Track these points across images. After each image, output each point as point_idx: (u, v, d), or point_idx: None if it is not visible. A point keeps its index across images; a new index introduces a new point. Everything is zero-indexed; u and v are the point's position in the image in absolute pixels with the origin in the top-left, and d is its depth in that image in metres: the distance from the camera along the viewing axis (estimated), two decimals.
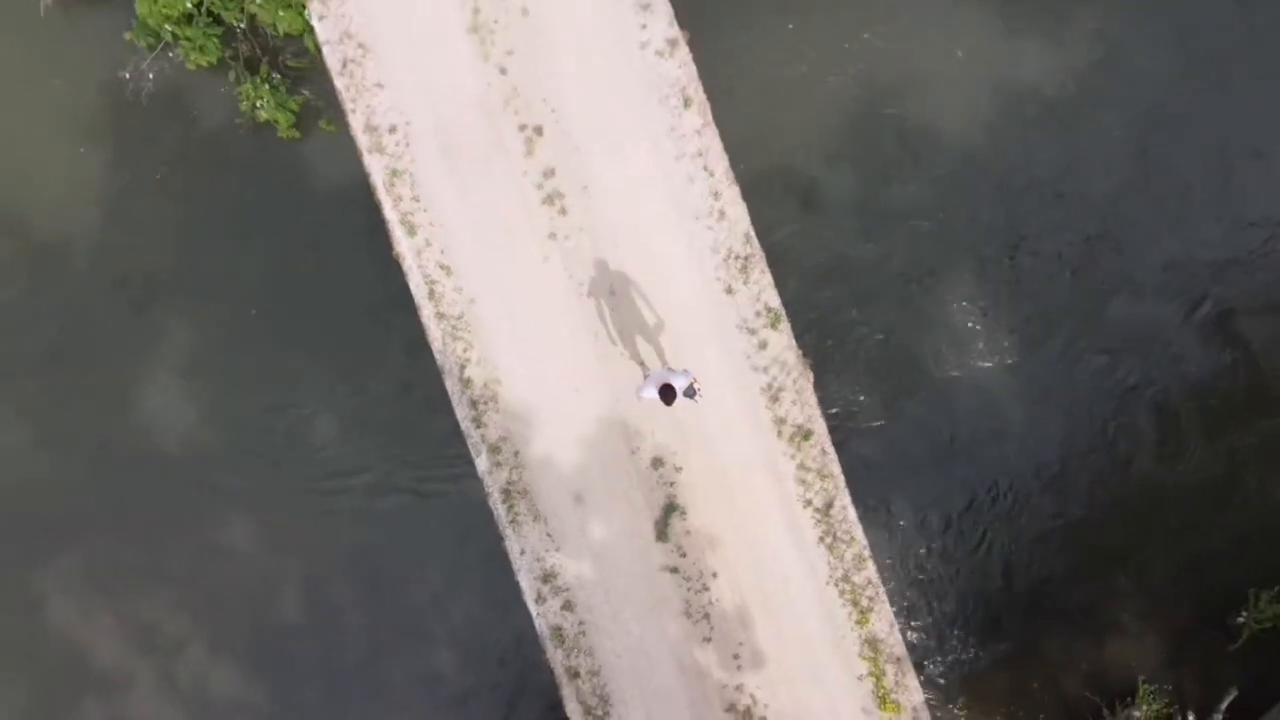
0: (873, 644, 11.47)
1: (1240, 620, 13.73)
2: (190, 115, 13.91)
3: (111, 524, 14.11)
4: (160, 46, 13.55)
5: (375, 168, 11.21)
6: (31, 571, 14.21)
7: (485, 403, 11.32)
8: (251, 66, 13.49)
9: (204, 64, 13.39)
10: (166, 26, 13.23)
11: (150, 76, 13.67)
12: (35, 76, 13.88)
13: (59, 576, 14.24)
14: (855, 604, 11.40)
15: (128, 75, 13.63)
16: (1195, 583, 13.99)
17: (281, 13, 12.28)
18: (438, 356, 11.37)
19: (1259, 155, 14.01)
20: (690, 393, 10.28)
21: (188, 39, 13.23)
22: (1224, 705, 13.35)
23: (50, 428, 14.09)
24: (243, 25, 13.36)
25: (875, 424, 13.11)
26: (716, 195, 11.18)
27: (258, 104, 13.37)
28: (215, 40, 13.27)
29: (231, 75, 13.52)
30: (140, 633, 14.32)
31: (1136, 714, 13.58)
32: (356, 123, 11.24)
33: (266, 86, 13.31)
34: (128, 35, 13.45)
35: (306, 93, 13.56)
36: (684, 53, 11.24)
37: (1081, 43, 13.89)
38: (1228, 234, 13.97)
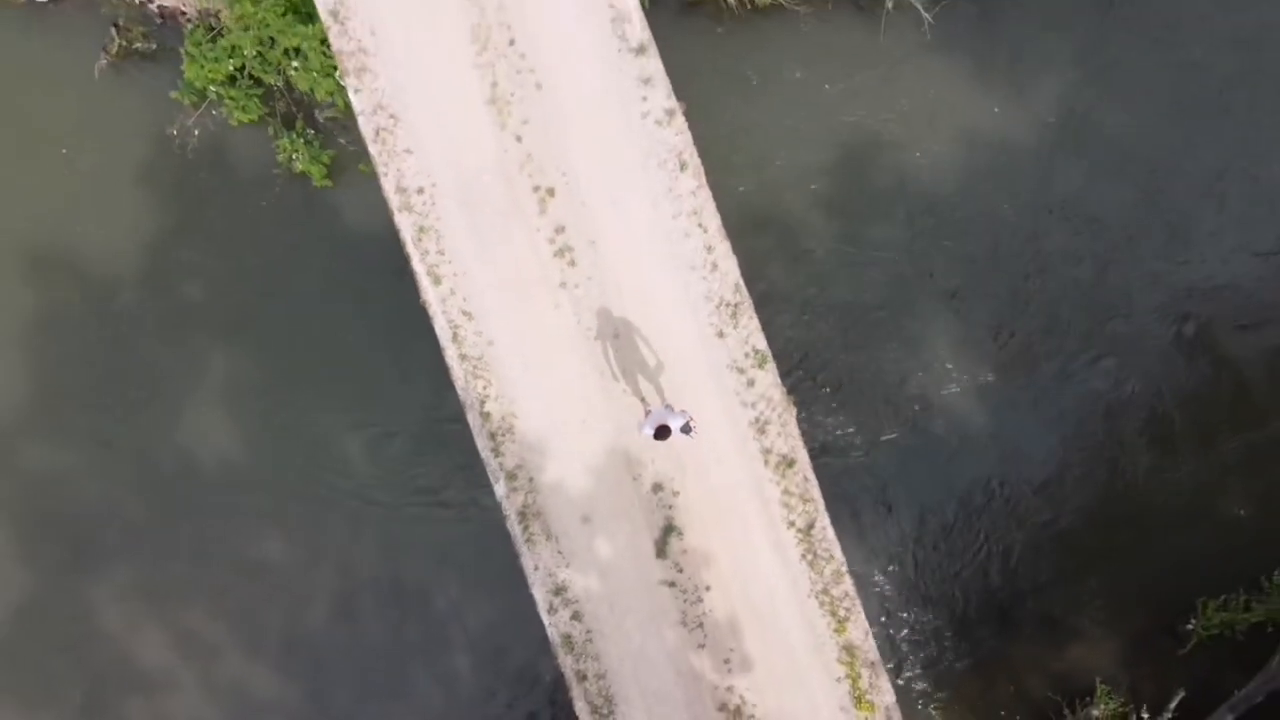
0: (849, 650, 12.71)
1: (1189, 627, 14.97)
2: (232, 167, 15.17)
3: (156, 538, 15.27)
4: (205, 105, 14.77)
5: (405, 224, 12.47)
6: (83, 582, 15.36)
7: (503, 434, 12.57)
8: (288, 122, 14.78)
9: (245, 121, 14.69)
10: (211, 88, 14.47)
11: (195, 133, 14.90)
12: (90, 132, 15.10)
13: (108, 586, 15.36)
14: (834, 614, 12.65)
15: (175, 132, 14.86)
16: (1148, 593, 15.24)
17: (320, 81, 13.55)
18: (460, 393, 12.61)
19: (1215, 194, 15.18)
20: (686, 429, 11.54)
21: (231, 99, 14.49)
22: (1173, 705, 14.49)
23: (99, 450, 15.23)
24: (280, 85, 14.63)
25: (854, 453, 14.42)
26: (710, 249, 12.44)
27: (294, 157, 14.66)
28: (256, 100, 14.56)
29: (270, 130, 14.80)
30: (182, 638, 15.46)
31: (1095, 712, 14.78)
32: (388, 184, 12.49)
33: (302, 141, 14.61)
34: (174, 95, 14.72)
35: (341, 141, 14.84)
36: (680, 122, 12.48)
37: (1042, 102, 15.19)
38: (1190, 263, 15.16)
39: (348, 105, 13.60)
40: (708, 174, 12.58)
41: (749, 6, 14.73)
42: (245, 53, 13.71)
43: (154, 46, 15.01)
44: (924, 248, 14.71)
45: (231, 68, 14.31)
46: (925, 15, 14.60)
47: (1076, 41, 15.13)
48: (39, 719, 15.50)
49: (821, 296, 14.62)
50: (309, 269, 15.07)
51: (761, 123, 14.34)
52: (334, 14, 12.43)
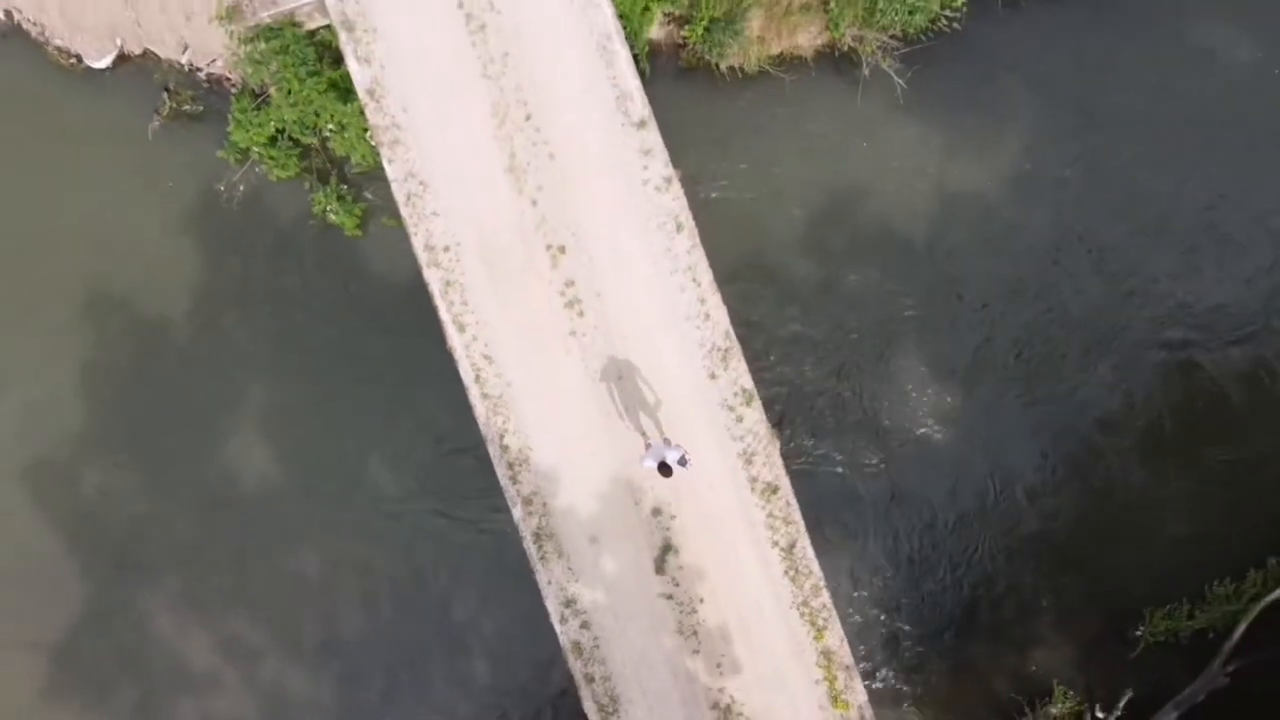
0: (827, 655, 14.23)
1: (1139, 634, 16.41)
2: (272, 217, 16.67)
3: (202, 552, 16.75)
4: (248, 163, 16.30)
5: (433, 279, 14.02)
6: (139, 594, 16.88)
7: (519, 464, 14.12)
8: (323, 178, 16.30)
9: (284, 177, 16.20)
10: (255, 148, 15.99)
11: (240, 188, 16.42)
12: (145, 185, 16.58)
13: (158, 596, 16.87)
14: (813, 623, 14.19)
15: (222, 187, 16.39)
16: (1102, 603, 16.71)
17: (356, 147, 15.11)
18: (482, 428, 14.14)
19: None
20: (683, 461, 13.08)
21: (272, 158, 16.01)
22: (1121, 704, 15.89)
23: (151, 474, 16.75)
24: (316, 144, 16.16)
25: (832, 481, 15.99)
26: (703, 301, 13.99)
27: (328, 209, 16.19)
28: (294, 159, 16.07)
29: (306, 185, 16.33)
30: (225, 643, 16.93)
31: (1054, 710, 16.17)
32: (418, 243, 14.03)
33: (335, 195, 16.15)
34: (220, 153, 16.23)
35: (369, 194, 16.35)
36: (677, 188, 14.00)
37: (1001, 157, 16.69)
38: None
39: (376, 163, 15.16)
40: (701, 234, 14.09)
41: (739, 75, 16.28)
42: (287, 121, 15.21)
43: (201, 108, 16.52)
44: (895, 293, 16.29)
45: (273, 129, 15.82)
46: (898, 80, 16.13)
47: (1038, 101, 16.62)
48: (97, 715, 16.95)
49: (804, 335, 16.20)
50: (341, 311, 16.57)
51: (750, 179, 15.89)
52: (370, 93, 13.99)
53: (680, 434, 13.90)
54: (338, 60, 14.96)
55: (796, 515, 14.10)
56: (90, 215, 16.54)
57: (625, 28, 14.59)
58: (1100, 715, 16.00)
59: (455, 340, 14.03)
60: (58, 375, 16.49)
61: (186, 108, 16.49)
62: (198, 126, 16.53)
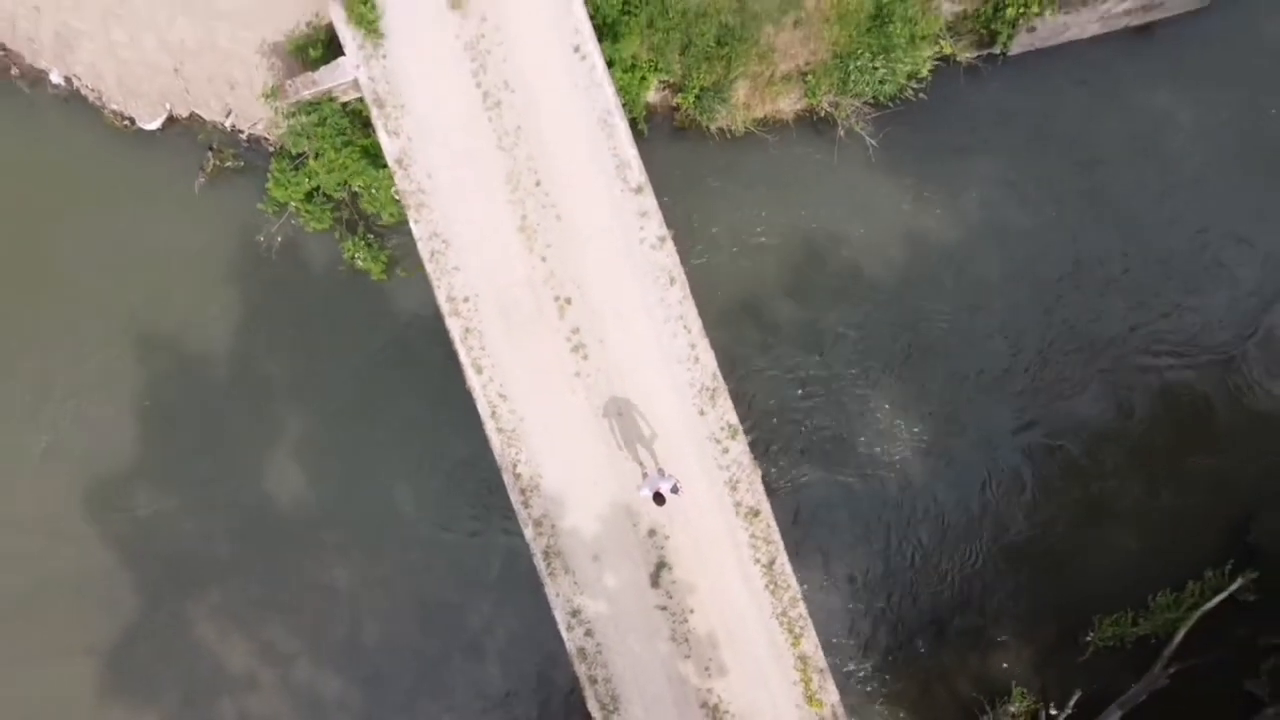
0: (803, 659, 15.99)
1: (1088, 639, 17.97)
2: (306, 264, 18.37)
3: (240, 567, 18.46)
4: (285, 216, 18.03)
5: (453, 326, 15.79)
6: (184, 603, 18.59)
7: (530, 491, 15.89)
8: (352, 228, 18.02)
9: (318, 229, 17.93)
10: (292, 203, 17.73)
11: (278, 238, 18.15)
12: (192, 234, 18.27)
13: (201, 606, 18.58)
14: (790, 631, 15.95)
15: (262, 238, 18.13)
16: (1055, 611, 18.40)
17: (385, 207, 16.90)
18: (497, 458, 15.91)
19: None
20: (675, 490, 14.85)
21: (307, 212, 17.72)
22: (1071, 703, 17.41)
23: (194, 497, 18.42)
24: (347, 199, 17.91)
25: (810, 505, 17.77)
26: (693, 346, 15.75)
27: (356, 257, 17.91)
28: (327, 212, 17.80)
29: (337, 235, 18.06)
30: (262, 647, 18.63)
31: (1012, 709, 17.76)
32: (440, 294, 15.80)
33: (363, 243, 17.88)
34: (259, 206, 17.95)
35: (393, 243, 18.05)
36: (670, 246, 15.74)
37: (960, 208, 18.47)
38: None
39: (401, 217, 16.92)
40: (691, 287, 15.85)
41: (727, 135, 18.04)
42: (323, 182, 16.99)
43: (242, 164, 18.25)
44: (868, 336, 18.11)
45: (309, 188, 17.56)
46: (870, 141, 17.88)
47: (992, 159, 18.40)
48: (146, 714, 18.67)
49: (787, 375, 18.01)
50: (366, 348, 18.30)
51: (735, 230, 17.69)
52: (399, 161, 15.78)
53: (673, 464, 15.66)
54: (366, 123, 16.72)
55: (776, 535, 15.86)
56: (143, 260, 18.20)
57: (625, 94, 16.36)
58: (1053, 713, 17.55)
59: (474, 380, 15.81)
60: (115, 402, 18.18)
61: (229, 164, 18.20)
62: (239, 181, 18.23)
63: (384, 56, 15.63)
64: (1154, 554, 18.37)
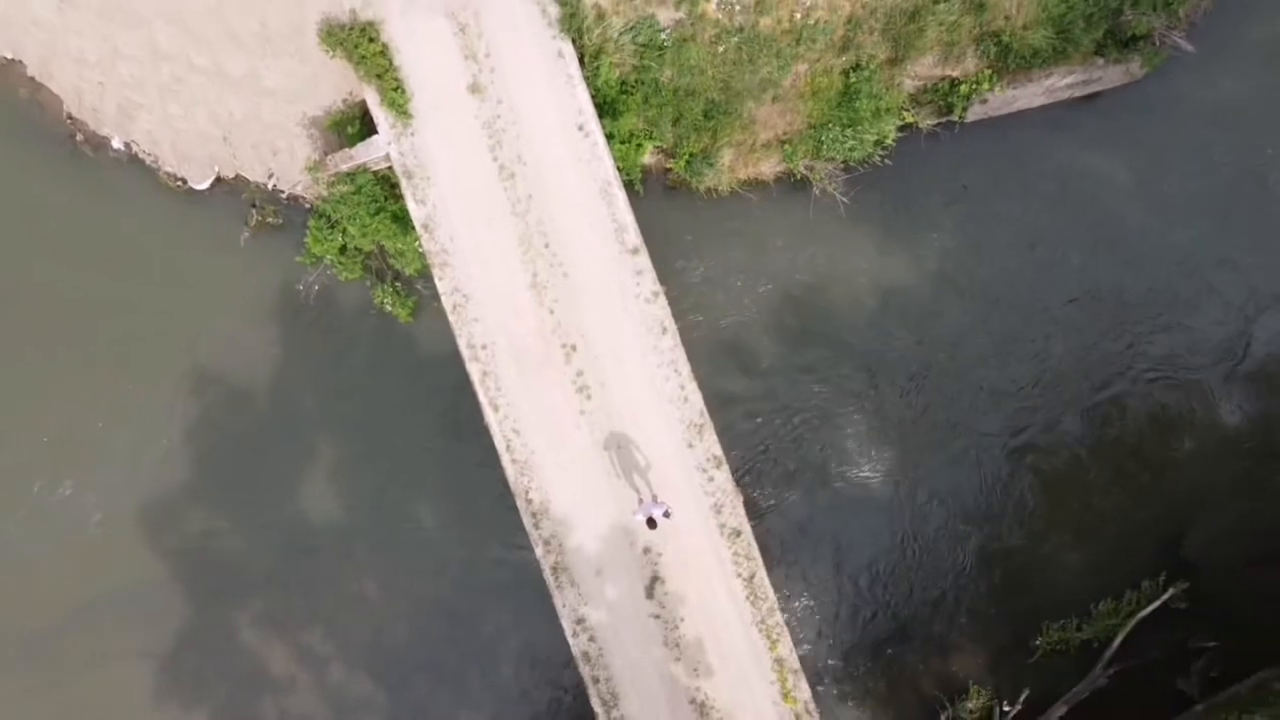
0: (779, 662, 18.15)
1: (1036, 643, 19.96)
2: (340, 309, 20.50)
3: (280, 580, 20.53)
4: (321, 266, 20.24)
5: (473, 370, 18.00)
6: (227, 613, 20.64)
7: (540, 514, 18.08)
8: (380, 277, 20.20)
9: (350, 279, 20.13)
10: (328, 256, 19.94)
11: (316, 287, 20.34)
12: (238, 283, 20.44)
13: (243, 613, 20.66)
14: (769, 637, 18.12)
15: (300, 287, 20.34)
16: (1007, 618, 20.53)
17: (412, 260, 19.13)
18: (511, 486, 18.07)
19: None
20: (667, 514, 17.01)
21: (341, 263, 19.94)
22: (1020, 700, 19.42)
23: (236, 516, 20.50)
24: (376, 251, 20.10)
25: (788, 527, 19.94)
26: (682, 388, 17.95)
27: (385, 302, 20.11)
28: (359, 264, 20.01)
29: (368, 283, 20.25)
30: (299, 652, 20.70)
31: (969, 705, 19.80)
32: (461, 342, 17.99)
33: (392, 290, 20.08)
34: (299, 259, 20.14)
35: (419, 289, 20.20)
36: (662, 300, 17.92)
37: (922, 260, 20.70)
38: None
39: (424, 269, 19.12)
40: (681, 336, 18.06)
41: (714, 194, 20.25)
42: (357, 241, 19.22)
43: (281, 221, 20.42)
44: (843, 369, 20.35)
45: (342, 241, 19.77)
46: (841, 199, 20.07)
47: (951, 215, 20.65)
48: (194, 712, 20.77)
49: (768, 407, 20.24)
50: (396, 385, 20.45)
51: (719, 279, 19.92)
52: (425, 226, 18.01)
53: (665, 490, 17.84)
54: (394, 186, 18.92)
55: (755, 553, 18.06)
56: (194, 308, 20.35)
57: (622, 161, 18.49)
58: (1006, 709, 19.56)
59: (490, 418, 18.03)
60: (169, 434, 20.32)
61: (270, 220, 20.38)
62: (279, 235, 20.38)
63: (412, 134, 17.85)
64: (1096, 566, 20.54)
